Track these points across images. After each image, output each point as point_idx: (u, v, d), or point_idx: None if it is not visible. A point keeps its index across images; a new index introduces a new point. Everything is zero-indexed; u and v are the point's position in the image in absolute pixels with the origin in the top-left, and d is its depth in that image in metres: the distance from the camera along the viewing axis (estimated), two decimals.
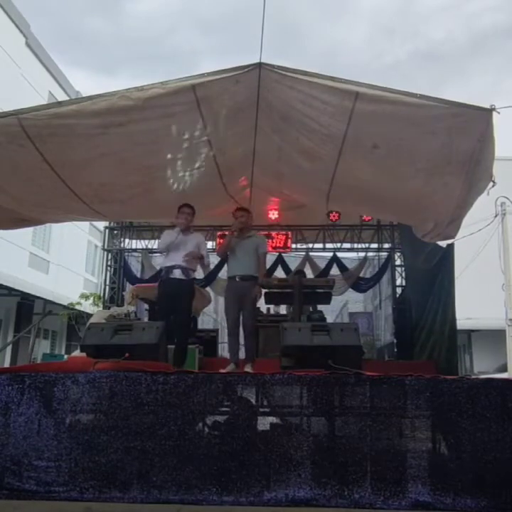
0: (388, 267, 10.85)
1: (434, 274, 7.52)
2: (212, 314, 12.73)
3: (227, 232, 6.04)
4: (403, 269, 10.48)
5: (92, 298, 14.63)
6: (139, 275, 11.01)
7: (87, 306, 14.80)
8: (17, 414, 3.56)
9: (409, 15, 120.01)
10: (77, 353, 6.32)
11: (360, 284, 11.07)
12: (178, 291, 5.24)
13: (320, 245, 10.77)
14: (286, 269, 10.44)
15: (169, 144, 5.37)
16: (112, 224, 10.89)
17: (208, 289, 10.08)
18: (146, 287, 8.32)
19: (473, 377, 4.71)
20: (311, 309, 8.04)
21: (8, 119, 4.51)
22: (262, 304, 8.51)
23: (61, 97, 15.81)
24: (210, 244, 9.52)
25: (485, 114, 4.13)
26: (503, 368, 14.59)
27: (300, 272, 9.43)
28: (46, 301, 15.20)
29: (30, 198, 5.86)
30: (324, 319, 7.41)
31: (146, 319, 8.27)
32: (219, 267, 10.05)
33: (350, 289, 11.16)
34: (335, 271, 10.64)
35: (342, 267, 10.75)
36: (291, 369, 3.92)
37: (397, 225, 9.87)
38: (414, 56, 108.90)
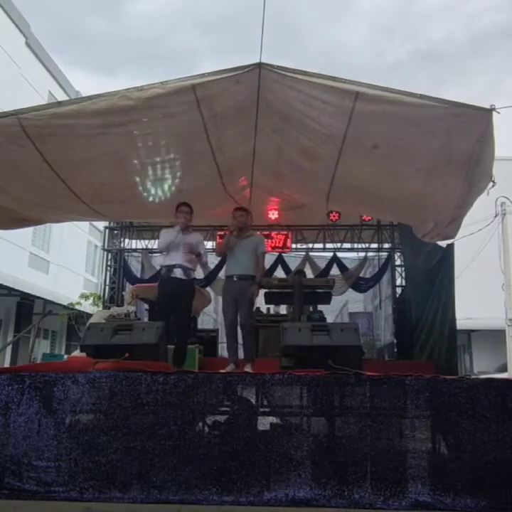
0: (388, 267, 10.85)
1: (434, 274, 7.52)
2: (212, 314, 12.71)
3: (226, 232, 6.04)
4: (403, 269, 10.48)
5: (92, 298, 14.63)
6: (138, 275, 11.02)
7: (87, 306, 14.81)
8: (17, 414, 3.56)
9: (409, 15, 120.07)
10: (77, 353, 6.32)
11: (360, 284, 11.07)
12: (178, 291, 5.24)
13: (320, 245, 10.78)
14: (286, 269, 10.44)
15: (169, 143, 5.37)
16: (111, 224, 10.90)
17: (208, 289, 10.09)
18: (146, 287, 8.32)
19: (473, 377, 4.71)
20: (311, 309, 8.03)
21: (8, 119, 4.51)
22: (262, 304, 8.53)
23: (61, 97, 15.81)
24: (209, 245, 9.53)
25: (485, 114, 4.13)
26: (503, 368, 14.57)
27: (300, 271, 9.43)
28: (46, 301, 15.21)
29: (30, 198, 5.86)
30: (324, 319, 7.39)
31: (146, 319, 8.28)
32: (219, 266, 10.05)
33: (350, 289, 11.16)
34: (335, 271, 10.65)
35: (342, 267, 10.76)
36: (291, 369, 3.93)
37: (397, 225, 9.88)
38: (414, 56, 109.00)
